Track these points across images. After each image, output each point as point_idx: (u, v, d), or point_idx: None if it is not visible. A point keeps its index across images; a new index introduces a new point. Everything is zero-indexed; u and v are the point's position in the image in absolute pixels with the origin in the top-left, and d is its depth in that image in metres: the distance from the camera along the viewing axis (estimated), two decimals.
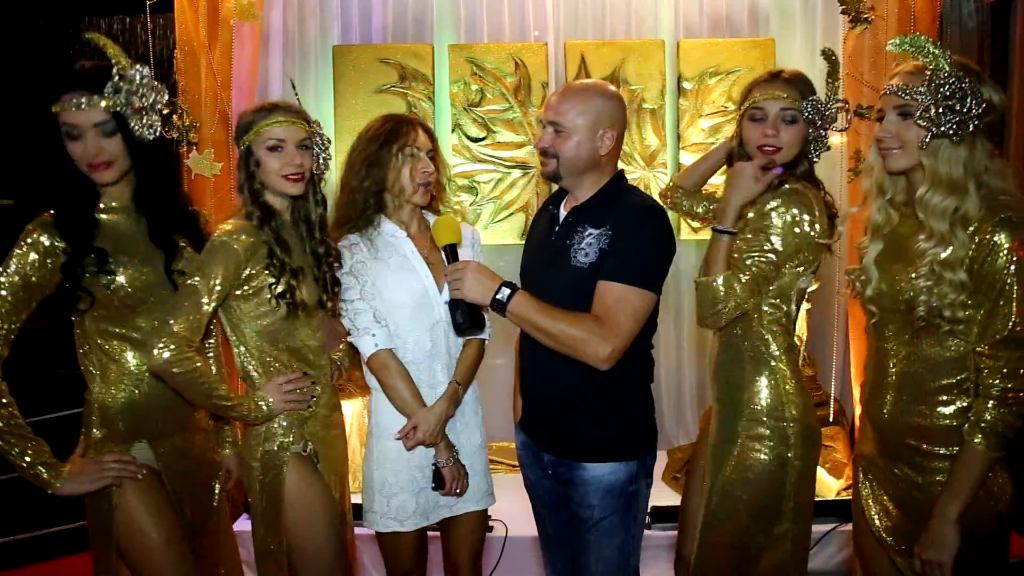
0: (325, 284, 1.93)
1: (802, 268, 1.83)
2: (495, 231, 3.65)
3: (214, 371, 2.01)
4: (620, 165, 1.95)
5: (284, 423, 1.87)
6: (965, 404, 1.61)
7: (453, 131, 3.61)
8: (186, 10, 3.08)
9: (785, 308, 1.87)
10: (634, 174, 3.59)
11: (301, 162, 1.86)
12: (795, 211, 1.78)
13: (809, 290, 1.98)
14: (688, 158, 3.61)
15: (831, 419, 3.31)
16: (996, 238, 1.53)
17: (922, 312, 1.60)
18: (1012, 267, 1.52)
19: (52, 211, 1.73)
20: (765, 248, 1.78)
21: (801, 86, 1.88)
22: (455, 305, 1.79)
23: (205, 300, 1.73)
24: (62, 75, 1.71)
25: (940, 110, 1.55)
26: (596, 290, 1.75)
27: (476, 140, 3.63)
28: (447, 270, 1.80)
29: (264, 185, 1.87)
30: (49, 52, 3.62)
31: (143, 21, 3.39)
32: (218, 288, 1.75)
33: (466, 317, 1.78)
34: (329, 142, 1.99)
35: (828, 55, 1.92)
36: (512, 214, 3.66)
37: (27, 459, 1.69)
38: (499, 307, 1.73)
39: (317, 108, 3.62)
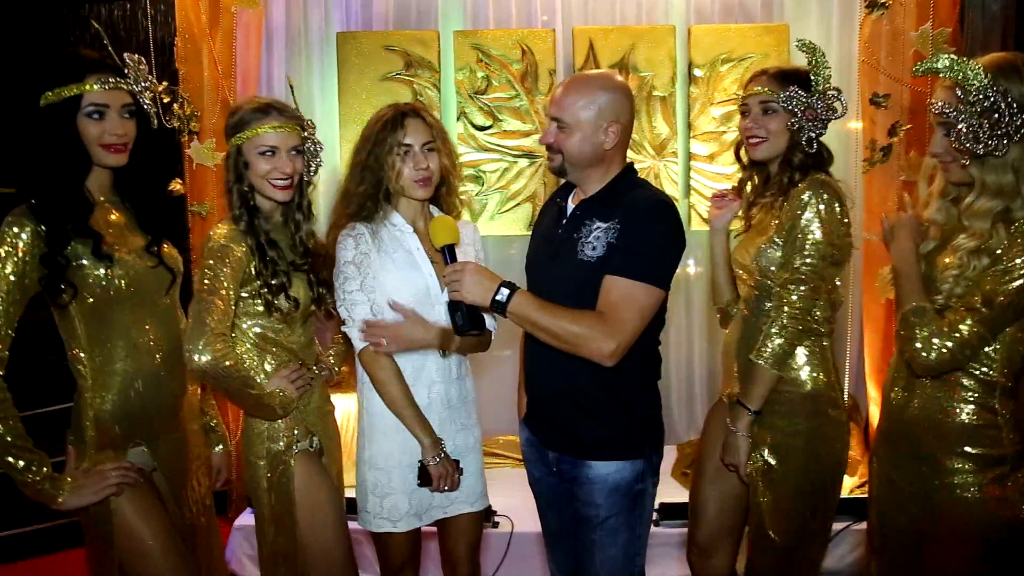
0: (317, 283, 1.93)
1: (838, 261, 1.87)
2: (501, 221, 3.59)
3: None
4: (629, 155, 1.91)
5: (286, 421, 1.87)
6: (983, 400, 1.62)
7: (458, 119, 3.54)
8: None
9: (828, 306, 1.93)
10: (644, 163, 3.51)
11: (292, 169, 1.85)
12: (828, 198, 1.82)
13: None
14: (699, 147, 3.54)
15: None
16: None
17: (941, 301, 1.63)
18: None
19: (32, 200, 1.66)
20: (811, 241, 1.81)
21: (784, 79, 1.92)
22: (454, 306, 1.78)
23: (220, 301, 1.74)
24: (82, 58, 1.71)
25: (980, 129, 1.52)
26: (602, 285, 1.72)
27: (482, 128, 3.56)
28: (445, 271, 1.79)
29: (253, 188, 1.87)
30: (48, 38, 3.57)
31: (143, 7, 3.35)
32: (232, 288, 1.76)
33: (465, 318, 1.77)
34: (321, 147, 1.96)
35: (803, 47, 1.91)
36: (519, 204, 3.59)
37: (31, 473, 1.64)
38: (499, 308, 1.72)
39: (321, 96, 3.57)
